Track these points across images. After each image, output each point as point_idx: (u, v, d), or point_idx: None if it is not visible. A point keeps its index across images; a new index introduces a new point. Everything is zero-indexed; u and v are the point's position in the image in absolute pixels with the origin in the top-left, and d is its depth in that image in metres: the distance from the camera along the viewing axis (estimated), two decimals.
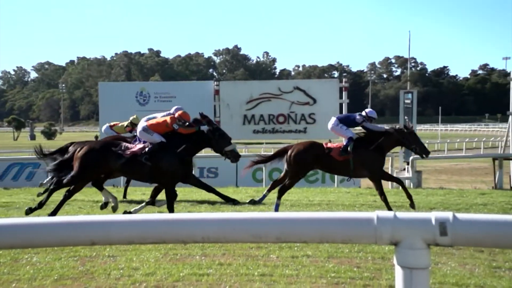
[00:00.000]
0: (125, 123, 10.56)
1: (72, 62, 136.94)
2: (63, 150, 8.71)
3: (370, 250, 5.16)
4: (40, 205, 7.74)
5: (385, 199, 7.90)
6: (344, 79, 16.44)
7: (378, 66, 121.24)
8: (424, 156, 8.32)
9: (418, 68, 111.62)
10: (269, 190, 8.81)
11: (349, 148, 8.01)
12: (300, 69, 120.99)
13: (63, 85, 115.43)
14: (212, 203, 8.82)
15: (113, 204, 8.17)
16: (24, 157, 18.20)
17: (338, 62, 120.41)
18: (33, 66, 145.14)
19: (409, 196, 7.97)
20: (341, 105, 15.41)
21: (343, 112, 15.15)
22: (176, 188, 7.49)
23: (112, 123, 10.93)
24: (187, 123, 7.36)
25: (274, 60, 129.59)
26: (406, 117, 13.95)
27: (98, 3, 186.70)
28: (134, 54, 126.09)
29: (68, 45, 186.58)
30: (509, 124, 14.64)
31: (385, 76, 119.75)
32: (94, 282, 4.34)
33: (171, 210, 7.31)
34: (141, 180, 7.74)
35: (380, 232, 1.83)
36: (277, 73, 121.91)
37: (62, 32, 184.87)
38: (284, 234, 1.93)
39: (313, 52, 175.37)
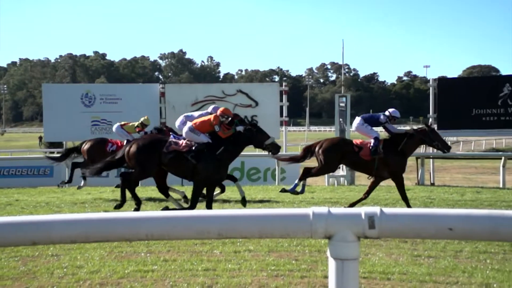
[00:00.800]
0: (136, 123, 10.43)
1: (14, 63, 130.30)
2: (77, 149, 9.95)
3: (308, 243, 5.25)
4: (120, 206, 7.50)
5: (405, 198, 7.73)
6: (284, 83, 16.60)
7: (316, 71, 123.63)
8: (445, 151, 8.08)
9: (351, 74, 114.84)
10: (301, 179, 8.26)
11: (378, 150, 7.79)
12: (243, 73, 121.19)
13: (5, 86, 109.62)
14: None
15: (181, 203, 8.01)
16: None
17: (278, 67, 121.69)
18: None
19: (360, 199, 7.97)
20: (281, 107, 15.58)
21: (283, 114, 15.37)
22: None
23: (122, 123, 10.67)
24: (230, 118, 7.30)
25: (218, 64, 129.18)
26: (341, 119, 14.30)
27: (41, 4, 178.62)
28: (79, 56, 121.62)
29: (9, 46, 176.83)
30: None
31: (321, 80, 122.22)
32: (36, 282, 4.15)
33: (193, 206, 7.20)
34: (182, 176, 7.71)
35: (316, 227, 1.87)
36: (221, 77, 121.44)
37: (3, 33, 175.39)
38: (225, 230, 1.93)
39: (255, 57, 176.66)
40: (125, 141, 9.66)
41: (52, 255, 4.94)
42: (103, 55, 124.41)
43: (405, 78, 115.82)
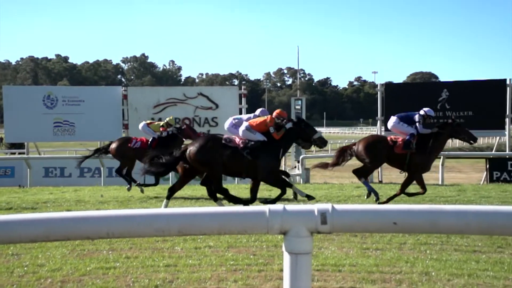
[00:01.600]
0: (161, 123, 10.43)
1: None
2: (105, 148, 10.22)
3: (265, 239, 5.27)
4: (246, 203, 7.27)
5: (402, 191, 7.80)
6: (243, 87, 16.66)
7: (273, 75, 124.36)
8: (472, 142, 8.04)
9: (306, 78, 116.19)
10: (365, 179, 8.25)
11: (411, 145, 7.65)
12: (204, 76, 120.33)
13: None
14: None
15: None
16: None
17: (238, 71, 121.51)
18: None
19: (417, 193, 7.94)
20: (240, 110, 15.59)
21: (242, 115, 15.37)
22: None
23: (148, 121, 10.84)
24: (285, 120, 7.37)
25: (179, 68, 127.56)
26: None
27: (1, 7, 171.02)
28: (41, 59, 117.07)
29: None
30: (378, 128, 15.77)
31: (278, 84, 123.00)
32: None
33: (253, 200, 7.29)
34: (236, 173, 7.66)
35: (272, 223, 1.88)
36: (183, 80, 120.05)
37: None
38: (185, 227, 1.91)
39: (215, 62, 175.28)
40: (150, 139, 9.96)
41: (12, 254, 4.74)
42: (66, 58, 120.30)
43: (355, 82, 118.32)
